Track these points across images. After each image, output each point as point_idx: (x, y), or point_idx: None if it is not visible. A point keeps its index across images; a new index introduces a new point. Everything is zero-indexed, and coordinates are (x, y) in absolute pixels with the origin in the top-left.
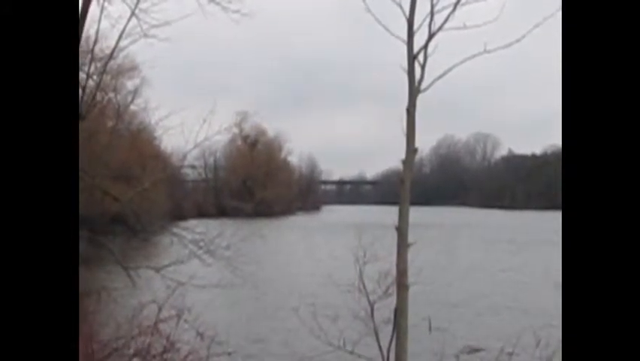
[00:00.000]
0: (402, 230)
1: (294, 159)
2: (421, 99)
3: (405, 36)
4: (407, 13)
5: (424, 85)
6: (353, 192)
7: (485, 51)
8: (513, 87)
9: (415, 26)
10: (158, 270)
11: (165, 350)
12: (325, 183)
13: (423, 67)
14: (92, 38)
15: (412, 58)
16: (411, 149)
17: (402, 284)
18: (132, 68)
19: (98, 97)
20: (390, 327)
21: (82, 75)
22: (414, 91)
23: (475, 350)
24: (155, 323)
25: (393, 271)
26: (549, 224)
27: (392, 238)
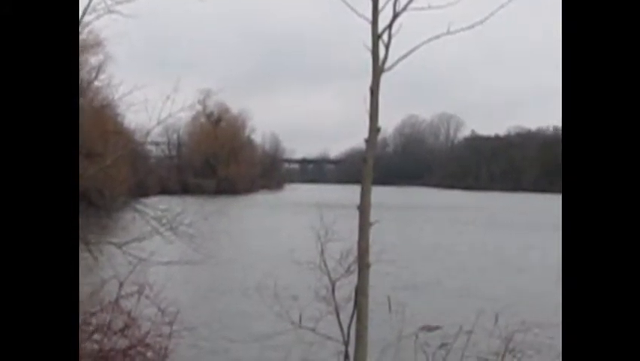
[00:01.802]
0: (364, 209)
1: (257, 138)
2: (385, 79)
3: (370, 15)
4: None
5: (387, 64)
6: (316, 171)
7: (448, 32)
8: (477, 68)
9: (380, 5)
10: (119, 246)
11: (126, 326)
12: (288, 161)
13: (387, 46)
14: None
15: (376, 37)
16: (374, 128)
17: (363, 263)
18: (96, 44)
19: None
20: (351, 306)
21: None
22: (377, 70)
23: (434, 328)
24: (117, 299)
25: (355, 250)
26: (512, 205)
27: (354, 218)
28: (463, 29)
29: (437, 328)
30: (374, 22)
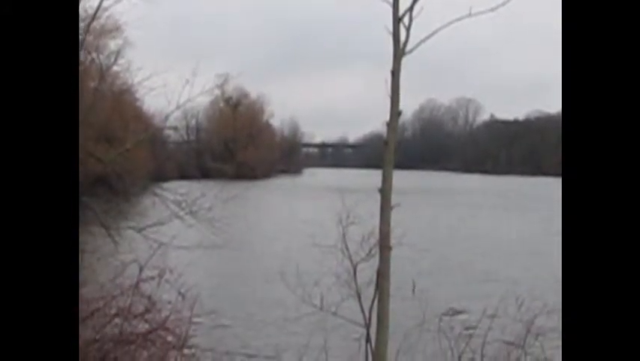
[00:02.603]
0: (385, 192)
1: (276, 122)
2: (403, 63)
3: None
4: None
5: (408, 47)
6: (335, 155)
7: (470, 14)
8: (497, 52)
9: None
10: (139, 230)
11: (147, 310)
12: (307, 146)
13: (408, 29)
14: None
15: (397, 20)
16: (395, 111)
17: (384, 246)
18: (115, 29)
19: (81, 57)
20: (372, 289)
21: None
22: (398, 53)
23: (457, 313)
24: (137, 283)
25: (376, 234)
26: (532, 190)
27: (374, 201)
28: (484, 12)
29: (460, 312)
30: (395, 5)
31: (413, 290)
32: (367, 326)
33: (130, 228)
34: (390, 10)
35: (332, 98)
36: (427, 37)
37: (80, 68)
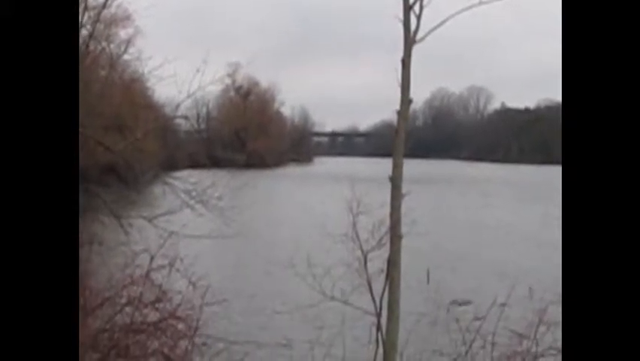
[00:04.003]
0: (395, 180)
1: (286, 111)
2: (415, 51)
3: None
4: None
5: (419, 36)
6: (345, 144)
7: (480, 2)
8: (508, 40)
9: None
10: (150, 220)
11: (157, 299)
12: (318, 134)
13: (418, 18)
14: None
15: (407, 8)
16: (406, 100)
17: (395, 235)
18: (126, 17)
19: (91, 46)
20: (383, 278)
21: None
22: (409, 41)
23: (466, 302)
24: (147, 272)
25: (386, 222)
26: (543, 178)
27: (384, 190)
28: (494, 0)
29: (469, 302)
30: None
31: (428, 280)
32: (378, 315)
33: (140, 217)
34: None
35: (342, 86)
36: (438, 26)
37: (90, 57)
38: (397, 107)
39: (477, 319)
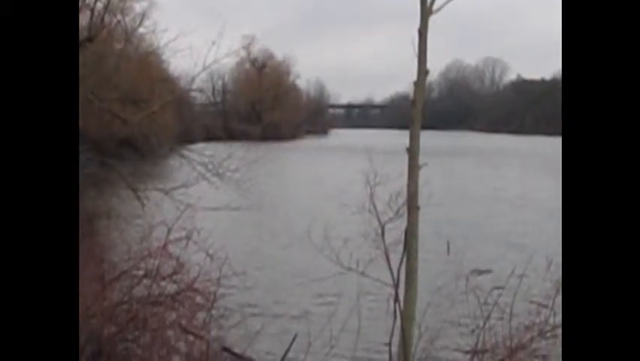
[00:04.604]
0: (413, 151)
1: (302, 83)
2: (431, 22)
3: None
4: None
5: (435, 6)
6: (361, 116)
7: None
8: (523, 11)
9: None
10: (166, 192)
11: (175, 272)
12: (333, 107)
13: None
14: None
15: None
16: (422, 70)
17: (412, 206)
18: None
19: (106, 19)
20: (400, 249)
21: None
22: (426, 12)
23: (484, 272)
24: (165, 245)
25: (404, 194)
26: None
27: (401, 161)
28: None
29: (487, 271)
30: None
31: (448, 251)
32: (396, 286)
33: (157, 189)
34: None
35: (358, 58)
36: None
37: (105, 30)
38: (413, 78)
39: (496, 288)
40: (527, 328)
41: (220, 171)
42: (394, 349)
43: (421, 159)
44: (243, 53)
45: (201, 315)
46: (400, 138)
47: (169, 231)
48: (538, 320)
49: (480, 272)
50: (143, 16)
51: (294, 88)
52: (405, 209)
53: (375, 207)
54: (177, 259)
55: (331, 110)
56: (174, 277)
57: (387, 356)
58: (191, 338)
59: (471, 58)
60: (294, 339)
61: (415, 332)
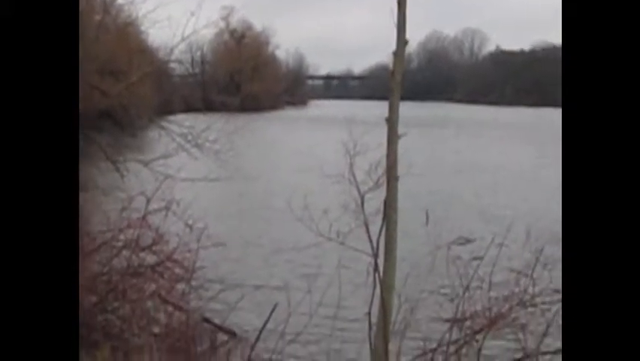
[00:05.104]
0: (392, 122)
1: (281, 54)
2: None
3: None
4: None
5: None
6: (341, 87)
7: None
8: None
9: None
10: (146, 163)
11: (154, 242)
12: (313, 78)
13: None
14: None
15: None
16: (402, 40)
17: (391, 176)
18: None
19: None
20: (380, 219)
21: None
22: None
23: (467, 241)
24: (144, 216)
25: (383, 164)
26: (537, 120)
27: (380, 132)
28: None
29: (469, 240)
30: None
31: (427, 221)
32: (375, 256)
33: (136, 160)
34: None
35: (337, 29)
36: None
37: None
38: (393, 49)
39: (475, 258)
40: (506, 298)
41: (199, 142)
42: (374, 319)
43: (401, 130)
44: (221, 24)
45: (180, 286)
46: (379, 109)
47: (148, 202)
48: (517, 290)
49: (464, 241)
50: None
51: (273, 59)
52: (384, 179)
53: (354, 177)
54: (156, 230)
55: (310, 82)
56: (153, 248)
57: (366, 326)
58: (170, 308)
59: (450, 29)
60: (273, 309)
61: (395, 301)
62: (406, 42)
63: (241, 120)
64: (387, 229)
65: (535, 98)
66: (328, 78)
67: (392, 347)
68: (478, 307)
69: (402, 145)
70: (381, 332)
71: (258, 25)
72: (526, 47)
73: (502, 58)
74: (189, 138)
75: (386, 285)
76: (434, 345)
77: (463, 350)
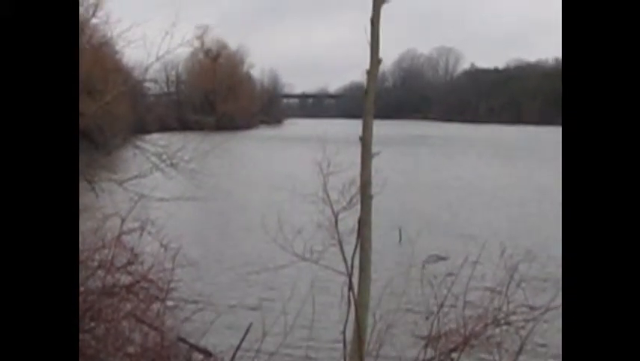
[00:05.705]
0: (366, 140)
1: (256, 73)
2: (384, 12)
3: None
4: None
5: None
6: (316, 105)
7: None
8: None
9: None
10: (120, 183)
11: (129, 262)
12: (288, 96)
13: None
14: None
15: None
16: (375, 60)
17: (365, 194)
18: None
19: None
20: (354, 238)
21: None
22: (378, 1)
23: (440, 259)
24: (119, 236)
25: (357, 183)
26: (511, 138)
27: (355, 151)
28: None
29: (443, 258)
30: None
31: (400, 238)
32: (350, 275)
33: (111, 180)
34: None
35: (312, 48)
36: None
37: None
38: (367, 67)
39: (449, 275)
40: (480, 316)
41: (174, 161)
42: (349, 337)
43: (375, 148)
44: (196, 43)
45: (156, 306)
46: (354, 128)
47: (123, 221)
48: (491, 308)
49: (437, 259)
50: (97, 6)
51: (248, 78)
52: (358, 198)
53: (328, 196)
54: (132, 249)
55: (285, 100)
56: (129, 268)
57: (341, 345)
58: (145, 328)
59: (424, 47)
60: (248, 329)
61: (370, 319)
62: (379, 61)
63: (216, 139)
64: (361, 248)
65: (508, 116)
66: (303, 97)
67: None
68: (453, 325)
69: (376, 163)
70: (357, 352)
71: (232, 44)
72: (501, 65)
73: (476, 76)
74: (164, 157)
75: (361, 303)
76: None
77: None
